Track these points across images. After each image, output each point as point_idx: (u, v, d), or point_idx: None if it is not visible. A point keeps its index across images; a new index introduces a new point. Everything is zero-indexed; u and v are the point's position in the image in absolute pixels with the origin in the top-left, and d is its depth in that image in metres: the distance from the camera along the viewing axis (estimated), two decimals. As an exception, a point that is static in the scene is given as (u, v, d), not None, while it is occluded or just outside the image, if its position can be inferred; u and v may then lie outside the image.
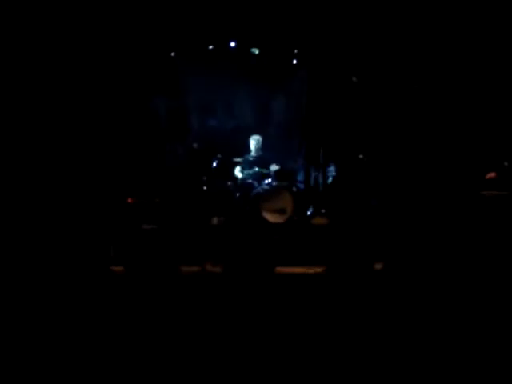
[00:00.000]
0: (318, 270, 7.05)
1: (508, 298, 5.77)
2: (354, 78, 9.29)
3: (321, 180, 9.30)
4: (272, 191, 8.17)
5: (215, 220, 8.20)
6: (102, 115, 8.21)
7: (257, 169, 8.61)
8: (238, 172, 8.69)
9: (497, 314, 5.17)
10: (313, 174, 9.04)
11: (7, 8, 7.28)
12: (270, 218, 8.01)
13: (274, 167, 8.63)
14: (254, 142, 8.94)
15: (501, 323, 4.96)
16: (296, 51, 9.14)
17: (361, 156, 9.47)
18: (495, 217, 7.36)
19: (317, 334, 4.73)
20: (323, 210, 8.91)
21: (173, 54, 8.94)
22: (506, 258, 6.95)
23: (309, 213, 8.77)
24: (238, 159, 8.78)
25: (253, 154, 8.91)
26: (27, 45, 7.49)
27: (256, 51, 8.89)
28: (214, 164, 8.51)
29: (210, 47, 8.77)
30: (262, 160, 8.80)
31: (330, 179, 8.96)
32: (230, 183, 8.57)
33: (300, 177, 9.02)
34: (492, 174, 8.14)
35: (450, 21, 8.61)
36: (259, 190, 8.30)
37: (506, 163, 8.13)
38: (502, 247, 7.07)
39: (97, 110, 8.10)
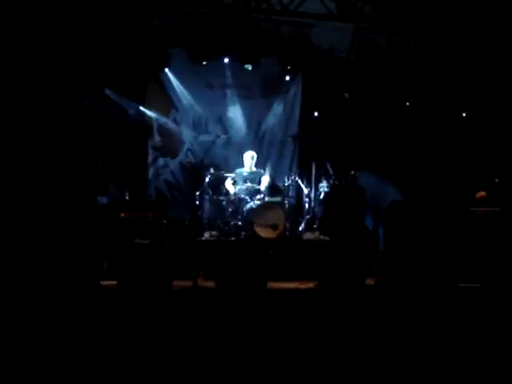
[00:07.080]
0: (310, 285, 7.08)
1: (499, 311, 5.82)
2: (347, 95, 9.35)
3: (313, 195, 9.33)
4: (264, 207, 8.17)
5: (207, 235, 8.20)
6: (96, 129, 8.20)
7: (249, 184, 8.59)
8: (230, 187, 8.67)
9: (488, 331, 5.20)
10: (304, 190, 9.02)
11: None
12: (262, 233, 8.01)
13: (265, 179, 8.65)
14: (248, 157, 8.88)
15: (491, 337, 5.00)
16: (289, 67, 9.18)
17: (352, 172, 9.52)
18: (487, 233, 7.39)
19: (308, 347, 4.74)
20: (315, 226, 8.94)
21: (166, 69, 8.95)
22: (498, 273, 7.00)
23: (300, 228, 8.78)
24: (231, 174, 8.76)
25: (246, 169, 8.86)
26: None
27: (249, 67, 8.93)
28: (207, 179, 8.47)
29: (204, 63, 8.77)
30: (255, 175, 8.78)
31: (322, 195, 8.96)
32: (222, 198, 8.55)
33: (292, 192, 8.99)
34: (482, 193, 8.17)
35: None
36: (251, 205, 8.29)
37: (496, 180, 8.18)
38: (494, 262, 7.12)
39: (91, 123, 8.10)
